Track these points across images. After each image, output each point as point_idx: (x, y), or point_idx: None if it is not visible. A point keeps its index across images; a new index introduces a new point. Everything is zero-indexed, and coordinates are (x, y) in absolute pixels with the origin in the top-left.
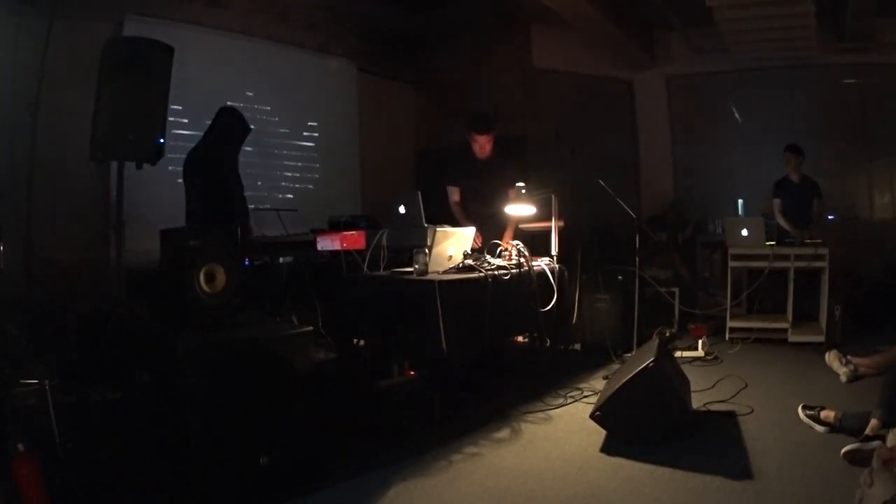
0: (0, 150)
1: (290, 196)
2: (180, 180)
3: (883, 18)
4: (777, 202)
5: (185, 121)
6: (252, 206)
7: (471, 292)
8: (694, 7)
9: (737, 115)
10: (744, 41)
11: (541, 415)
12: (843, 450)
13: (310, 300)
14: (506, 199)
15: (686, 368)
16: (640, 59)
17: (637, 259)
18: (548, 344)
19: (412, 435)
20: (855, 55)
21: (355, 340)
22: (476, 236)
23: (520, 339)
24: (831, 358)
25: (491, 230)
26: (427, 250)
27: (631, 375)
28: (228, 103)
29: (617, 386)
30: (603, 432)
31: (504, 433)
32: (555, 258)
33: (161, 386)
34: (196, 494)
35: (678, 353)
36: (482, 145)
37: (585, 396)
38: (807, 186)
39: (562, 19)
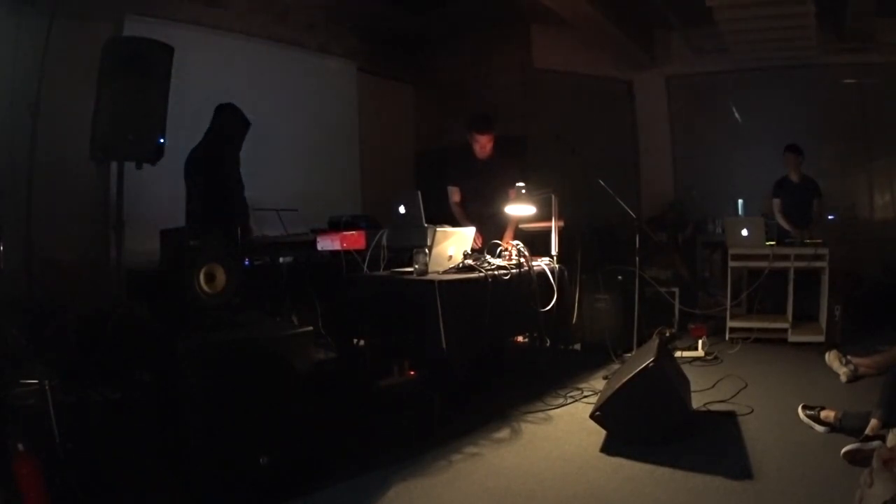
0: (0, 150)
1: (290, 196)
2: (180, 180)
3: (883, 18)
4: (777, 202)
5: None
6: (252, 206)
7: (471, 292)
8: (694, 7)
9: (737, 115)
10: (744, 41)
11: (541, 415)
12: (843, 450)
13: (310, 300)
14: (506, 199)
15: (686, 368)
16: (640, 59)
17: (637, 259)
18: (548, 344)
19: (412, 435)
20: (855, 55)
21: (355, 340)
22: (476, 236)
23: (520, 339)
24: (831, 358)
25: (491, 230)
26: (427, 250)
27: (631, 375)
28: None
29: (617, 386)
30: (603, 432)
31: (504, 433)
32: (555, 258)
33: (161, 386)
34: (196, 494)
35: (678, 353)
36: (483, 145)
37: (585, 396)
38: (807, 186)
39: (562, 19)
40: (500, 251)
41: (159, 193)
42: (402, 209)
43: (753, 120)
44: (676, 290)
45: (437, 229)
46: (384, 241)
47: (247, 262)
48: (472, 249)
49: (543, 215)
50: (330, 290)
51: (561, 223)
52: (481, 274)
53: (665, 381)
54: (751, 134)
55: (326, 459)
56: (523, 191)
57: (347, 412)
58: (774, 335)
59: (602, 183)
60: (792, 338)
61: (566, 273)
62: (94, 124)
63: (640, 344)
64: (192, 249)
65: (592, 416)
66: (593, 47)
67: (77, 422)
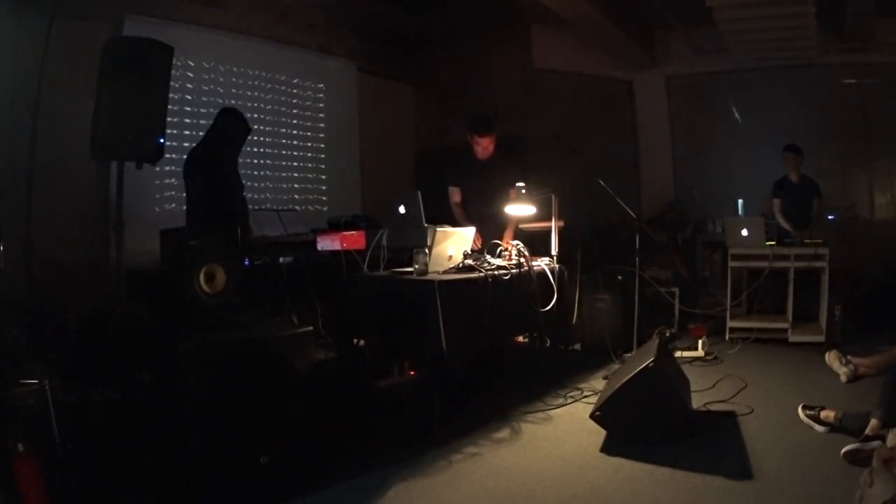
0: (0, 150)
1: (290, 196)
2: (180, 180)
3: (883, 18)
4: (777, 202)
5: (186, 121)
6: (252, 207)
7: (471, 292)
8: (694, 7)
9: (737, 115)
10: (744, 41)
11: (541, 415)
12: (843, 450)
13: (310, 300)
14: (506, 199)
15: (686, 368)
16: (640, 59)
17: (637, 259)
18: (548, 344)
19: (412, 435)
20: (855, 55)
21: (355, 340)
22: (476, 237)
23: (520, 339)
24: (831, 358)
25: (491, 230)
26: (427, 250)
27: (631, 375)
28: (229, 103)
29: (617, 386)
30: (603, 432)
31: (504, 433)
32: (555, 258)
33: (161, 386)
34: (196, 494)
35: (678, 353)
36: (484, 147)
37: (585, 396)
38: (807, 186)
39: (562, 19)
40: (500, 251)
41: (159, 193)
42: (402, 209)
43: (753, 120)
44: (676, 290)
45: (437, 229)
46: (384, 241)
47: (247, 262)
48: (472, 249)
49: (543, 215)
50: (330, 290)
51: (561, 223)
52: (481, 274)
53: (665, 381)
54: (751, 134)
55: (326, 459)
56: (523, 191)
57: (347, 412)
58: (774, 335)
59: (602, 183)
60: (792, 338)
61: (566, 273)
62: (94, 124)
63: (640, 344)
64: (192, 249)
65: (592, 416)
66: (593, 47)
67: (77, 422)
